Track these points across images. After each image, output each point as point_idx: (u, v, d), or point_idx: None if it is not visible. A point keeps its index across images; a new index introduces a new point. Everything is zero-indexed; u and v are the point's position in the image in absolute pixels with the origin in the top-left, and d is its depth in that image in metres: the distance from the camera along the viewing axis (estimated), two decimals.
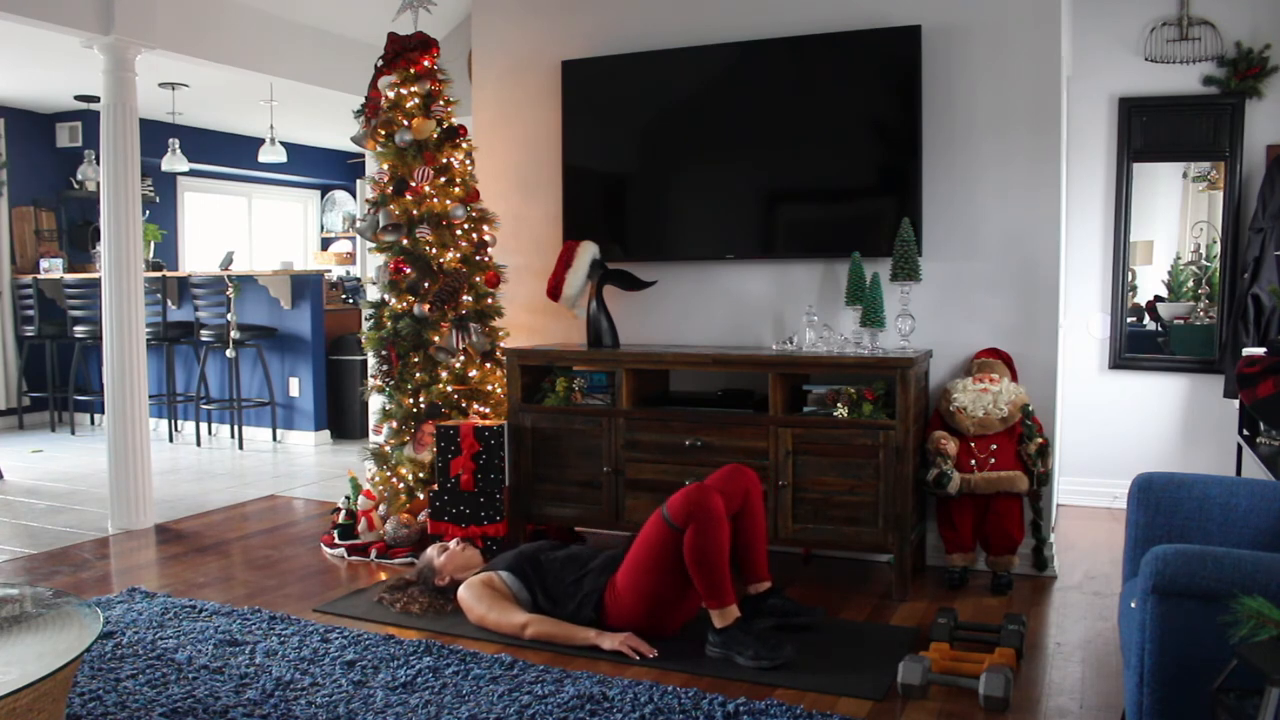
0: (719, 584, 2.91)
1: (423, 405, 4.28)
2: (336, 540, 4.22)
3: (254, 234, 10.62)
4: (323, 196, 11.27)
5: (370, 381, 4.48)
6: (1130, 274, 4.90)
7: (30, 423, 7.97)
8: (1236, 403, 4.10)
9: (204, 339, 7.03)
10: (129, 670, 2.86)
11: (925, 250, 3.92)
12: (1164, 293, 4.90)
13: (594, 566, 3.15)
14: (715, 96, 4.20)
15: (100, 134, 4.55)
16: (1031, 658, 3.01)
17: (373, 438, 4.64)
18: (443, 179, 4.30)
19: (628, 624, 3.04)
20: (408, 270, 4.29)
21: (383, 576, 3.87)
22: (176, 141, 8.10)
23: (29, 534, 4.55)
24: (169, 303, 7.31)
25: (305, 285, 7.03)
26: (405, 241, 4.29)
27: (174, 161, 8.07)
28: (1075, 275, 4.86)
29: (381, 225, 4.30)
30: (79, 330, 7.33)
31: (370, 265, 5.81)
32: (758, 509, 3.21)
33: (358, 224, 4.51)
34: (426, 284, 4.29)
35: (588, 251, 4.20)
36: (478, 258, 4.38)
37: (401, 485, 4.33)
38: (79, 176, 8.09)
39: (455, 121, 4.41)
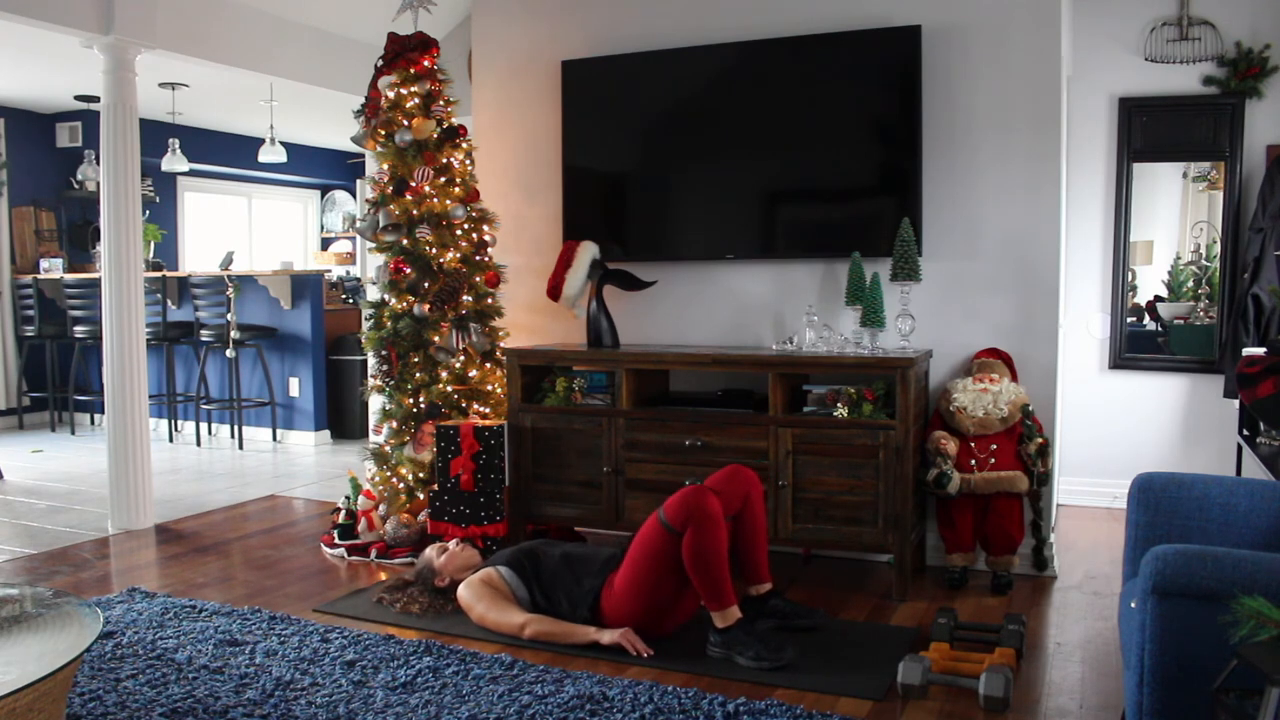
0: (719, 586, 2.91)
1: (423, 405, 4.28)
2: (336, 540, 4.22)
3: (254, 234, 10.62)
4: (323, 196, 11.27)
5: (370, 381, 4.48)
6: (1130, 274, 4.90)
7: (30, 423, 7.97)
8: (1236, 403, 4.10)
9: (204, 339, 7.03)
10: (129, 670, 2.86)
11: (925, 250, 3.92)
12: (1164, 293, 4.90)
13: (592, 567, 3.16)
14: (715, 96, 4.20)
15: (100, 134, 4.55)
16: (1031, 658, 3.01)
17: (373, 438, 4.64)
18: (443, 179, 4.30)
19: (624, 625, 3.04)
20: (408, 270, 4.29)
21: (383, 576, 3.87)
22: (176, 141, 8.10)
23: (29, 534, 4.55)
24: (169, 303, 7.31)
25: (305, 285, 7.04)
26: (405, 241, 4.29)
27: (174, 161, 8.07)
28: (1075, 275, 4.86)
29: (381, 225, 4.30)
30: (79, 330, 7.33)
31: (370, 265, 5.82)
32: (758, 510, 3.21)
33: (358, 224, 4.51)
34: (426, 284, 4.29)
35: (588, 251, 4.20)
36: (478, 258, 4.38)
37: (401, 485, 4.33)
38: (79, 176, 8.09)
39: (455, 121, 4.41)
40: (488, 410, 4.33)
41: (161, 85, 7.16)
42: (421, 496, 4.28)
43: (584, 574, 3.14)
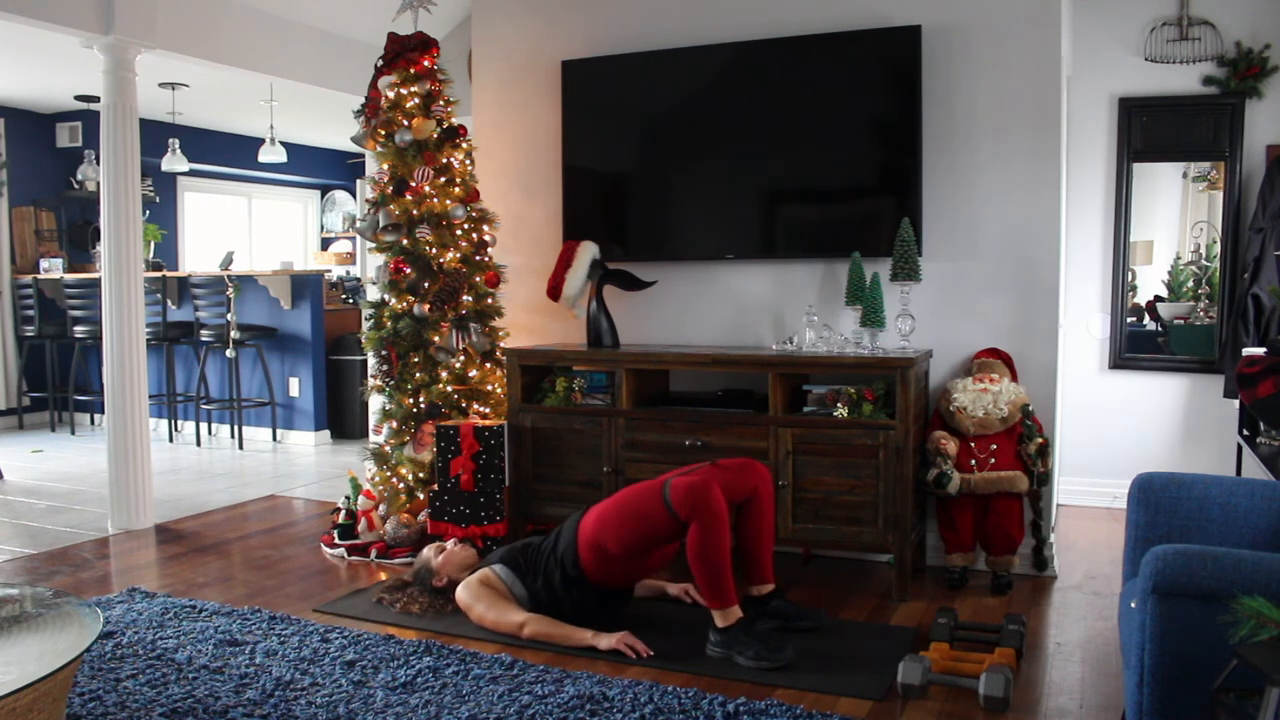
0: (722, 585, 2.91)
1: (423, 405, 4.28)
2: (336, 540, 4.22)
3: (254, 234, 10.62)
4: (323, 196, 11.27)
5: (370, 381, 4.48)
6: (1130, 274, 4.90)
7: (30, 423, 7.97)
8: (1236, 403, 4.10)
9: (204, 339, 7.03)
10: (129, 670, 2.86)
11: (925, 250, 3.92)
12: (1164, 293, 4.90)
13: (565, 527, 3.19)
14: (715, 96, 4.19)
15: (100, 134, 4.55)
16: (1031, 658, 3.01)
17: (373, 438, 4.64)
18: (443, 179, 4.30)
19: (605, 566, 3.07)
20: (408, 270, 4.29)
21: (383, 576, 3.87)
22: (176, 141, 8.10)
23: (29, 534, 4.55)
24: (169, 303, 7.31)
25: (305, 285, 7.03)
26: (405, 241, 4.29)
27: (174, 161, 8.07)
28: (1075, 275, 4.86)
29: (381, 225, 4.30)
30: (79, 330, 7.33)
31: (370, 265, 5.82)
32: (766, 508, 3.20)
33: (358, 224, 4.51)
34: (426, 284, 4.29)
35: (588, 251, 4.20)
36: (478, 258, 4.38)
37: (401, 485, 4.33)
38: (79, 176, 8.09)
39: (455, 121, 4.41)
40: (488, 410, 4.33)
41: (161, 85, 7.16)
42: (421, 496, 4.28)
43: (559, 539, 3.18)
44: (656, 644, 2.99)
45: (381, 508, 4.33)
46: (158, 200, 8.74)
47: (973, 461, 3.61)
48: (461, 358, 4.29)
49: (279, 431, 7.15)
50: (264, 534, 4.56)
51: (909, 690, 2.67)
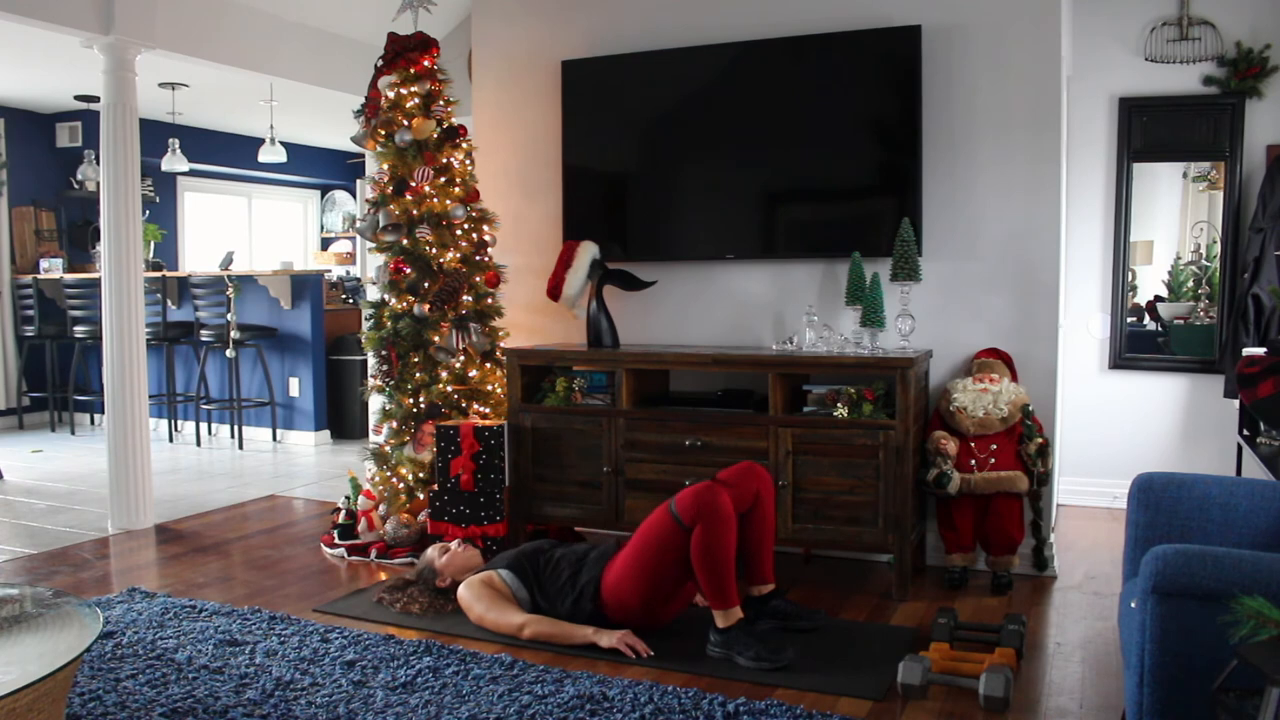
0: (724, 585, 2.92)
1: (423, 405, 4.28)
2: (336, 540, 4.22)
3: (254, 234, 10.62)
4: (323, 196, 11.27)
5: (370, 381, 4.48)
6: (1130, 274, 4.90)
7: (30, 423, 7.97)
8: (1236, 403, 4.10)
9: (204, 339, 7.03)
10: (129, 670, 2.86)
11: (925, 250, 3.92)
12: (1164, 293, 4.90)
13: (590, 559, 3.18)
14: (715, 96, 4.19)
15: (100, 134, 4.55)
16: (1031, 658, 3.01)
17: (373, 438, 4.64)
18: (443, 179, 4.31)
19: (624, 614, 3.05)
20: (408, 270, 4.29)
21: (383, 576, 3.87)
22: (176, 141, 8.10)
23: (29, 534, 4.55)
24: (169, 303, 7.31)
25: (305, 285, 7.04)
26: (405, 241, 4.29)
27: (174, 161, 8.07)
28: (1075, 275, 4.86)
29: (381, 225, 4.30)
30: (79, 330, 7.33)
31: (370, 265, 5.82)
32: (768, 510, 3.20)
33: (358, 224, 4.51)
34: (426, 284, 4.29)
35: (588, 251, 4.20)
36: (478, 258, 4.38)
37: (401, 485, 4.33)
38: (79, 176, 8.09)
39: (455, 121, 4.41)
40: (488, 410, 4.33)
41: (161, 85, 7.16)
42: (421, 496, 4.28)
43: (582, 568, 3.16)
44: (656, 644, 3.00)
45: (381, 508, 4.33)
46: (158, 200, 8.75)
47: (973, 461, 3.61)
48: (461, 358, 4.29)
49: (279, 431, 7.15)
50: (264, 534, 4.56)
51: (909, 690, 2.67)
